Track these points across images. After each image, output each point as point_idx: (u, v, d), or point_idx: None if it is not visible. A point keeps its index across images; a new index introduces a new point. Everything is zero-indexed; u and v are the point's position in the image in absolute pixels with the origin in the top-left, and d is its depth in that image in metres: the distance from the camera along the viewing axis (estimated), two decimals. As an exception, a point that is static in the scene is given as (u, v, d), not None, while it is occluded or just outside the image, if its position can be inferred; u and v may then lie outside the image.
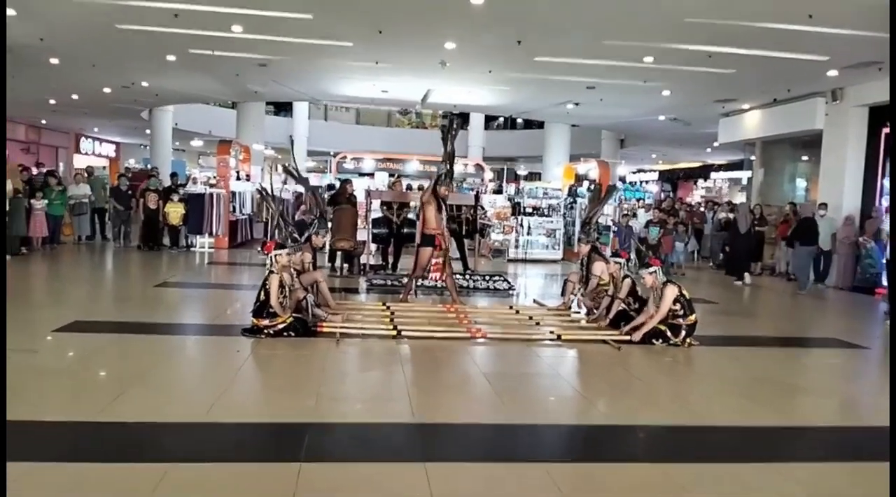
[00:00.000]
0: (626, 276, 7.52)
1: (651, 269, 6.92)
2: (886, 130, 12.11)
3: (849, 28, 8.70)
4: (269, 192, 8.55)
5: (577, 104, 16.54)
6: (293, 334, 6.28)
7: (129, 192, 14.59)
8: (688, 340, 6.73)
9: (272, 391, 4.98)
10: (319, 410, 4.40)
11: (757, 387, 5.55)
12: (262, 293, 6.32)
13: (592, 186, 14.67)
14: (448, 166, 8.37)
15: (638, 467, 3.75)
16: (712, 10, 8.52)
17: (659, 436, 4.30)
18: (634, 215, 15.28)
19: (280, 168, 9.60)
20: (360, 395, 4.94)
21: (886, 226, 10.68)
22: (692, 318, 6.77)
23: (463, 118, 25.82)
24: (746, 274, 12.44)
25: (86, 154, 28.84)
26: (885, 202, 11.86)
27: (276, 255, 6.47)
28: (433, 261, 8.29)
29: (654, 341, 6.70)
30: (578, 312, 8.15)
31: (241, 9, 9.35)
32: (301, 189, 12.41)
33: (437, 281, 8.54)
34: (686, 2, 8.28)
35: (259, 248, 11.00)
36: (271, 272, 6.38)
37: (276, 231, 7.74)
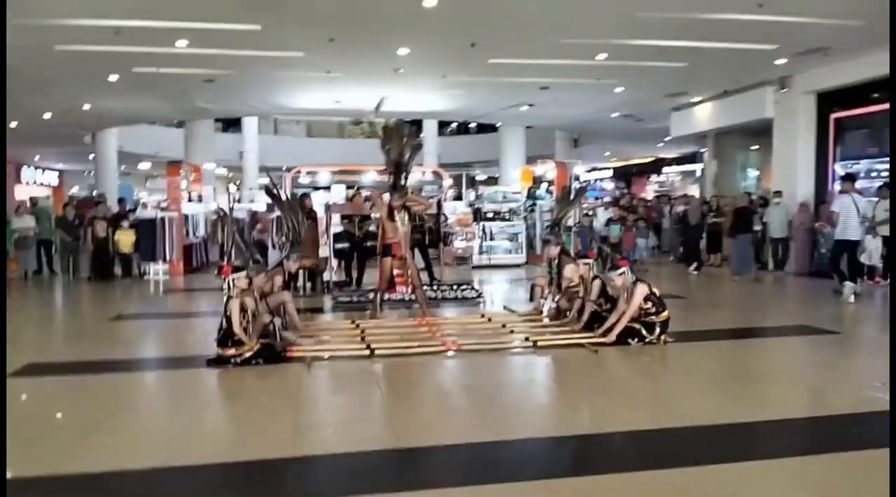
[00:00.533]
0: (595, 278, 7.45)
1: (620, 271, 6.89)
2: (835, 116, 12.38)
3: (797, 15, 8.84)
4: (228, 213, 8.27)
5: (531, 105, 16.56)
6: (262, 361, 5.99)
7: (77, 221, 14.01)
8: (663, 337, 6.69)
9: (246, 425, 4.68)
10: (298, 443, 4.17)
11: (739, 382, 5.52)
12: (224, 321, 6.03)
13: (560, 188, 14.68)
14: (393, 178, 8.22)
15: (638, 476, 3.61)
16: (665, 4, 8.56)
17: (651, 440, 4.18)
18: (594, 215, 15.35)
19: (264, 189, 9.39)
20: (339, 422, 4.71)
21: (835, 207, 10.76)
22: (664, 314, 6.75)
23: (417, 125, 25.60)
24: (695, 263, 13.38)
25: (27, 184, 27.75)
26: (838, 186, 12.06)
27: (234, 279, 6.19)
28: (395, 271, 8.19)
29: (629, 341, 6.64)
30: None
31: (186, 22, 9.04)
32: (257, 209, 12.07)
33: (405, 294, 8.37)
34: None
35: (216, 272, 10.63)
36: (230, 297, 6.10)
37: (235, 253, 7.44)
